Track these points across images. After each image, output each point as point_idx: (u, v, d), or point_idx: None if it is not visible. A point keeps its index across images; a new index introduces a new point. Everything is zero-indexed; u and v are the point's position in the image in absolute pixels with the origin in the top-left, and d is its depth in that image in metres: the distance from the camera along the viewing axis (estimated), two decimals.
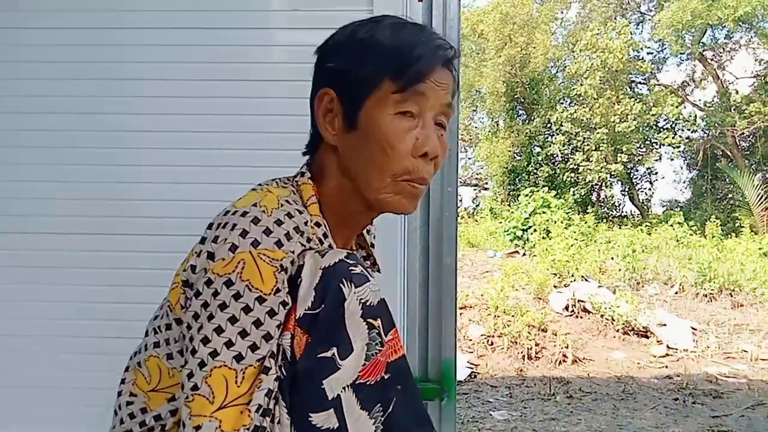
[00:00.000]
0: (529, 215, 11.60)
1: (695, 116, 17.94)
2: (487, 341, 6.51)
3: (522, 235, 11.49)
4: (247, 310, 0.68)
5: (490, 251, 11.04)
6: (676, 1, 16.73)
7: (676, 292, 8.24)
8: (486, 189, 20.26)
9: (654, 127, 18.05)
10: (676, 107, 17.61)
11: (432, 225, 1.84)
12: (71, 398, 1.73)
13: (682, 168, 19.52)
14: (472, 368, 5.94)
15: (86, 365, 1.74)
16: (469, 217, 16.54)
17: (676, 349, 6.51)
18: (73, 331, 1.75)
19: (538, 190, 12.81)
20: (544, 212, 11.47)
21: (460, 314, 6.26)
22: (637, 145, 18.11)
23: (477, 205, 19.46)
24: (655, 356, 6.40)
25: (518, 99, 19.17)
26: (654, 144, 18.46)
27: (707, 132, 18.04)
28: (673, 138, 17.71)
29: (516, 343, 6.37)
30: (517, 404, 5.09)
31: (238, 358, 0.68)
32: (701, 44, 17.97)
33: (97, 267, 1.77)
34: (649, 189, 19.40)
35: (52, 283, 1.77)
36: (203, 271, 0.71)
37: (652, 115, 17.38)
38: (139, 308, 1.70)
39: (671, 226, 12.46)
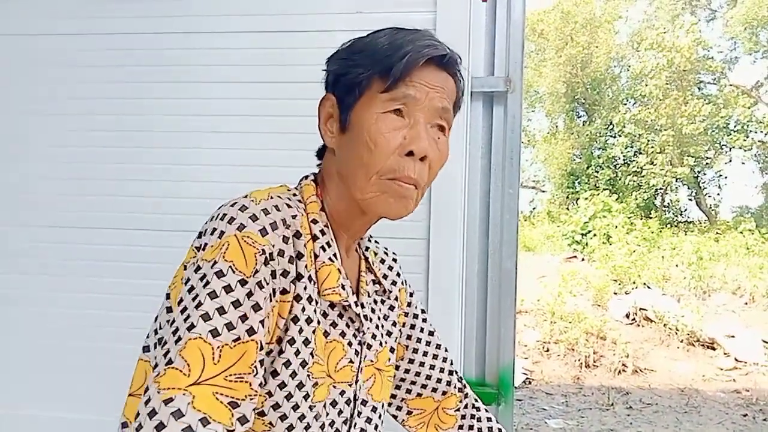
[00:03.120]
0: (589, 219, 11.30)
1: None
2: (543, 347, 6.38)
3: (581, 240, 11.21)
4: (228, 289, 0.68)
5: (547, 255, 10.82)
6: None
7: (746, 303, 7.84)
8: (543, 192, 19.88)
9: (724, 129, 17.23)
10: (749, 108, 16.76)
11: (492, 228, 1.82)
12: (98, 384, 1.81)
13: (754, 172, 18.57)
14: (526, 374, 5.83)
15: (117, 354, 1.81)
16: (525, 220, 16.25)
17: (746, 362, 6.19)
18: (107, 321, 1.82)
19: (598, 194, 12.46)
20: (604, 216, 11.15)
21: (516, 319, 6.18)
22: (706, 148, 17.34)
23: (534, 208, 19.12)
24: (722, 369, 6.11)
25: (579, 100, 18.71)
26: (724, 147, 17.62)
27: None
28: (744, 140, 16.86)
29: (573, 350, 6.22)
30: (573, 413, 4.96)
31: (214, 333, 0.66)
32: None
33: (130, 261, 1.83)
34: (718, 194, 18.57)
35: (83, 275, 1.85)
36: (194, 261, 0.72)
37: (722, 116, 16.61)
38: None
39: (741, 233, 11.88)
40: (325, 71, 0.87)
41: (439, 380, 1.04)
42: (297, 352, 0.75)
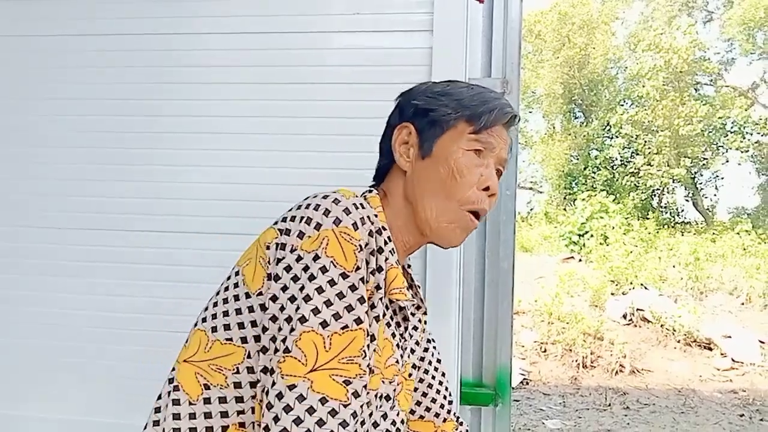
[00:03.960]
0: (586, 220, 11.31)
1: (766, 119, 17.06)
2: (540, 348, 6.39)
3: (578, 241, 11.21)
4: (332, 283, 0.75)
5: (544, 256, 10.83)
6: None
7: (743, 303, 7.86)
8: (541, 192, 19.90)
9: (721, 130, 17.27)
10: (746, 110, 16.81)
11: (489, 228, 1.82)
12: (98, 385, 1.81)
13: (750, 173, 18.65)
14: (524, 375, 5.84)
15: (116, 355, 1.81)
16: (522, 221, 16.27)
17: (742, 363, 6.21)
18: (105, 323, 1.83)
19: (595, 195, 12.48)
20: (601, 217, 11.17)
21: (513, 320, 6.18)
22: (703, 149, 17.38)
23: (531, 209, 19.14)
24: (718, 369, 6.13)
25: (576, 101, 18.74)
26: (721, 148, 17.66)
27: None
28: (741, 142, 16.90)
29: (570, 350, 6.23)
30: (570, 413, 4.97)
31: (324, 324, 0.74)
32: None
33: (134, 263, 1.83)
34: (715, 195, 18.61)
35: (86, 276, 1.85)
36: (291, 248, 0.79)
37: (719, 117, 16.65)
38: (169, 303, 1.78)
39: (738, 233, 11.91)
40: (401, 104, 0.98)
41: (442, 406, 1.09)
42: (371, 338, 0.81)
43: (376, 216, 0.83)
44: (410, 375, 1.01)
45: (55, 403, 1.84)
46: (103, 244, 1.84)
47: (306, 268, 0.76)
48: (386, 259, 0.84)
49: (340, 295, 0.75)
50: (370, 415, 0.84)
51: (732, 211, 18.66)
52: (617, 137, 17.28)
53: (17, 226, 1.88)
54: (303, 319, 0.74)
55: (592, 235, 10.79)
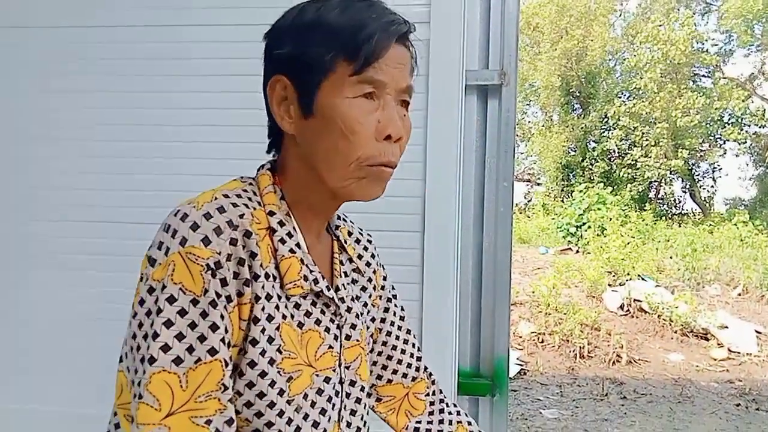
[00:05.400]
0: (584, 212, 11.34)
1: (764, 110, 17.07)
2: (538, 339, 6.42)
3: (575, 232, 11.25)
4: (182, 313, 0.67)
5: (541, 248, 10.86)
6: None
7: (739, 294, 7.90)
8: (538, 184, 19.91)
9: (718, 122, 17.29)
10: (743, 101, 16.81)
11: (486, 220, 1.83)
12: (90, 378, 1.82)
13: (747, 164, 18.63)
14: (521, 365, 5.87)
15: (108, 348, 1.82)
16: (520, 213, 16.30)
17: (739, 353, 6.24)
18: (97, 314, 1.83)
19: (593, 186, 12.51)
20: (599, 209, 11.19)
21: (510, 311, 6.18)
22: (700, 141, 17.41)
23: (529, 201, 19.16)
24: (715, 359, 6.16)
25: (573, 93, 18.73)
26: (718, 139, 17.68)
27: None
28: (739, 133, 16.92)
29: (567, 341, 6.26)
30: (568, 403, 5.01)
31: (177, 361, 0.66)
32: None
33: (119, 255, 1.84)
34: (712, 186, 18.63)
35: (77, 269, 1.85)
36: (146, 279, 0.70)
37: (716, 109, 16.66)
38: None
39: (735, 224, 11.94)
40: (269, 49, 0.81)
41: (409, 365, 1.02)
42: (263, 352, 0.73)
43: (242, 216, 0.72)
44: (373, 341, 0.97)
45: (43, 394, 1.85)
46: (107, 237, 1.85)
47: (156, 300, 0.68)
48: (276, 251, 0.76)
49: (192, 325, 0.67)
50: (306, 417, 0.78)
51: (729, 202, 18.72)
52: (615, 129, 17.29)
53: (16, 222, 1.88)
54: (152, 360, 0.66)
55: (589, 227, 10.81)
